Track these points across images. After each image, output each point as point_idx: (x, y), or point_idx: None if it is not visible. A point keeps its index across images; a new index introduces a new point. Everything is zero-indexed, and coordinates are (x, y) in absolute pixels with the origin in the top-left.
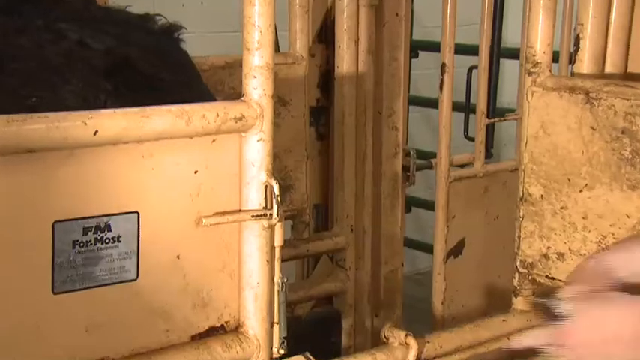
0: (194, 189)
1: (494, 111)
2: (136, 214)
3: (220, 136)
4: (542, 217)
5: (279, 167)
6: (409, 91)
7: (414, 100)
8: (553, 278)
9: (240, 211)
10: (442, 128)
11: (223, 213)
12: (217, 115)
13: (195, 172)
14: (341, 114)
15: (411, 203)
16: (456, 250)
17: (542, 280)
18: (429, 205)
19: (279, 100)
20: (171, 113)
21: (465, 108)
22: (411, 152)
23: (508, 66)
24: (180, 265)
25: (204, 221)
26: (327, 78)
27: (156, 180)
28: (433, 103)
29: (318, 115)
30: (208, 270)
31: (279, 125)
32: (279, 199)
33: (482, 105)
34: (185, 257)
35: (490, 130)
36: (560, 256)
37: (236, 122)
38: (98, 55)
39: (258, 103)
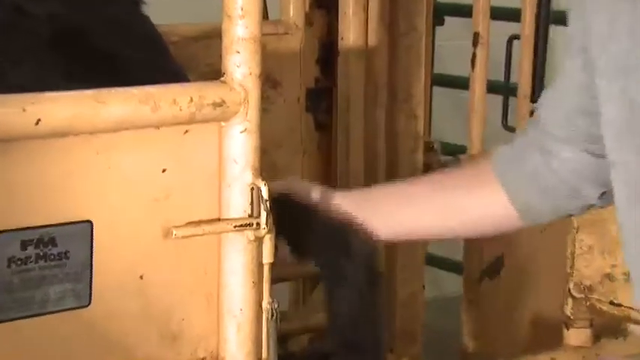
0: (162, 192)
1: (542, 93)
2: (88, 224)
3: (195, 126)
4: (603, 228)
5: (268, 164)
6: (432, 69)
7: (439, 80)
8: (620, 305)
9: (219, 219)
10: (474, 115)
11: (198, 222)
12: (191, 100)
13: (164, 171)
14: (346, 98)
15: None
16: (491, 270)
17: (604, 308)
18: None
19: (269, 81)
20: (133, 97)
21: (503, 89)
22: (435, 146)
23: (559, 35)
24: (144, 288)
25: (174, 232)
26: (328, 52)
27: (113, 181)
28: (463, 84)
29: (317, 99)
30: (180, 294)
31: (268, 112)
32: (268, 204)
33: (525, 86)
34: (150, 278)
35: None
36: (629, 276)
37: (214, 109)
38: (41, 25)
39: (241, 85)
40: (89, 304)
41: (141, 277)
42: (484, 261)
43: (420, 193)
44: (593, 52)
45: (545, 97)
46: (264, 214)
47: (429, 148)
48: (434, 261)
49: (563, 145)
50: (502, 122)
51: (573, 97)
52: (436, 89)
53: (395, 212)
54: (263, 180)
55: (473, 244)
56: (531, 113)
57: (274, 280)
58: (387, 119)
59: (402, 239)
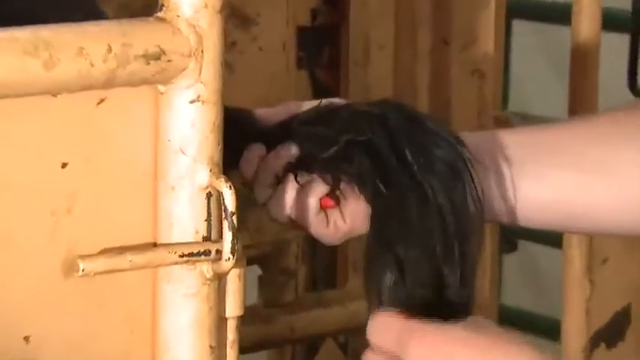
0: (61, 200)
1: None
2: None
3: (115, 93)
4: None
5: None
6: None
7: (520, 10)
8: None
9: (155, 245)
10: (579, 70)
11: (121, 249)
12: (109, 50)
13: (64, 167)
14: (363, 43)
15: (514, 232)
16: (611, 330)
17: None
18: (552, 237)
19: (236, 18)
20: (14, 45)
21: (630, 27)
22: (513, 122)
23: None
24: (32, 356)
25: (81, 266)
26: None
27: None
28: (560, 16)
29: (315, 46)
30: None
31: (236, 68)
32: (235, 220)
33: None
34: (42, 340)
35: None
36: None
37: (147, 63)
38: None
39: (192, 25)
40: None
41: (26, 340)
42: (598, 315)
43: (569, 145)
44: None
45: None
46: (228, 235)
47: (503, 125)
48: (515, 315)
49: None
50: (628, 82)
51: None
52: (517, 25)
53: (538, 170)
54: (227, 181)
55: (577, 286)
56: None
57: (246, 346)
58: (432, 78)
59: (529, 220)
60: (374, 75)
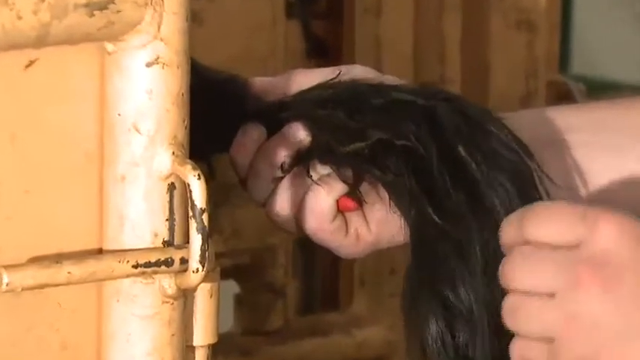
0: None
1: None
2: None
3: (49, 52)
4: None
5: None
6: None
7: None
8: None
9: (101, 251)
10: None
11: (56, 257)
12: None
13: None
14: None
15: None
16: None
17: None
18: None
19: None
20: None
21: None
22: (573, 88)
23: None
24: None
25: (4, 279)
26: None
27: None
28: None
29: None
30: None
31: (204, 20)
32: (205, 220)
33: None
34: None
35: None
36: None
37: (90, 15)
38: None
39: None
40: None
41: None
42: None
43: None
44: None
45: None
46: (197, 239)
47: (560, 93)
48: None
49: None
50: None
51: None
52: None
53: (624, 165)
54: (196, 169)
55: None
56: None
57: None
58: (464, 32)
59: None
60: (388, 27)
